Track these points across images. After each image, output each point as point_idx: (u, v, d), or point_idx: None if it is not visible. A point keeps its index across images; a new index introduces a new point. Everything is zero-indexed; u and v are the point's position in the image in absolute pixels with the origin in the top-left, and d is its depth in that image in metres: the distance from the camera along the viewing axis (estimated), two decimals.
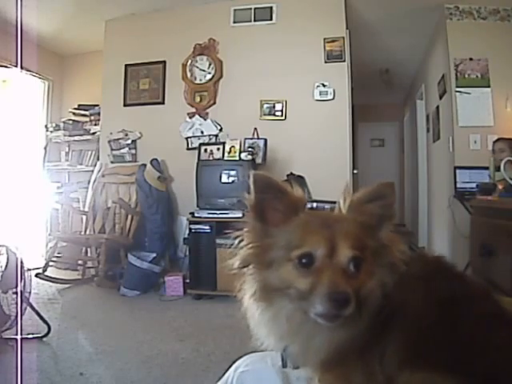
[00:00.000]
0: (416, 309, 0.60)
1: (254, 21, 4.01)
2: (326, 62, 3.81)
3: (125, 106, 4.30)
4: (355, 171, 4.19)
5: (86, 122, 4.82)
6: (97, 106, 4.65)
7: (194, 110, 4.07)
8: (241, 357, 0.88)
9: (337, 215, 0.67)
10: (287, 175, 3.74)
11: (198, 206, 3.46)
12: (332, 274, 0.58)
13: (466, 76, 3.66)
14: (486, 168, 2.91)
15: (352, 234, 0.61)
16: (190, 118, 4.05)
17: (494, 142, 3.15)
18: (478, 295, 0.65)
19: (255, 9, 4.00)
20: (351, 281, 0.58)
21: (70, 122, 4.86)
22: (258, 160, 3.68)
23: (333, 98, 3.77)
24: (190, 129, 4.03)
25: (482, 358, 0.57)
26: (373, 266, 0.61)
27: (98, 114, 4.56)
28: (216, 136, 3.98)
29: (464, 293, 0.64)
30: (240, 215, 3.23)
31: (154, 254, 3.61)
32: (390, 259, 0.62)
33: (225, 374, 0.87)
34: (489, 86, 3.60)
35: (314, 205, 3.04)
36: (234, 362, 0.88)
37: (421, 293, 0.61)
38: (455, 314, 0.60)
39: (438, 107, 4.27)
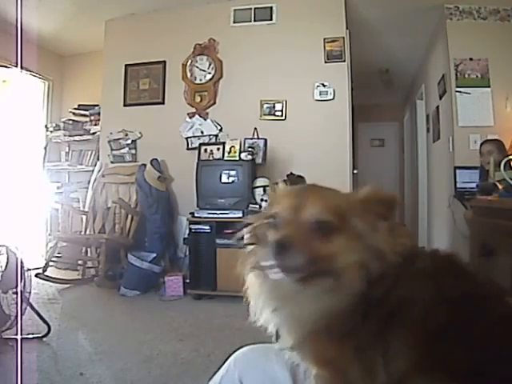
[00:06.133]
0: (424, 306, 0.58)
1: (254, 21, 4.01)
2: (325, 62, 3.81)
3: (125, 106, 4.30)
4: (355, 171, 4.19)
5: (86, 121, 4.81)
6: (97, 106, 4.65)
7: (193, 110, 4.07)
8: (238, 349, 0.85)
9: (325, 187, 0.68)
10: (287, 175, 3.73)
11: (198, 206, 3.46)
12: (286, 228, 0.59)
13: (466, 76, 3.66)
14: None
15: (328, 201, 0.62)
16: (190, 118, 4.06)
17: (481, 145, 3.17)
18: (491, 295, 0.63)
19: (255, 9, 4.00)
20: (316, 243, 0.59)
21: (70, 122, 4.86)
22: (258, 160, 3.68)
23: (333, 98, 3.77)
24: (190, 129, 4.04)
25: (499, 362, 0.54)
26: (354, 243, 0.60)
27: (98, 114, 4.56)
28: (216, 136, 3.98)
29: (476, 292, 0.61)
30: (240, 215, 3.24)
31: (154, 254, 3.61)
32: (378, 245, 0.60)
33: (221, 366, 0.83)
34: (489, 86, 3.60)
35: None
36: (230, 355, 0.84)
37: (429, 290, 0.59)
38: (468, 314, 0.58)
39: (437, 107, 4.27)
